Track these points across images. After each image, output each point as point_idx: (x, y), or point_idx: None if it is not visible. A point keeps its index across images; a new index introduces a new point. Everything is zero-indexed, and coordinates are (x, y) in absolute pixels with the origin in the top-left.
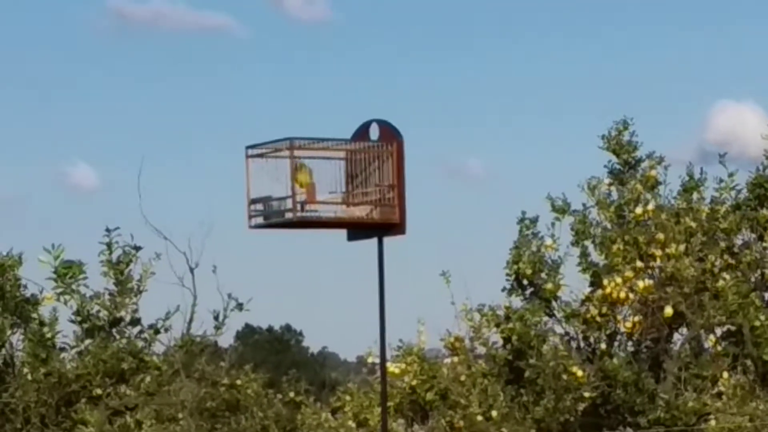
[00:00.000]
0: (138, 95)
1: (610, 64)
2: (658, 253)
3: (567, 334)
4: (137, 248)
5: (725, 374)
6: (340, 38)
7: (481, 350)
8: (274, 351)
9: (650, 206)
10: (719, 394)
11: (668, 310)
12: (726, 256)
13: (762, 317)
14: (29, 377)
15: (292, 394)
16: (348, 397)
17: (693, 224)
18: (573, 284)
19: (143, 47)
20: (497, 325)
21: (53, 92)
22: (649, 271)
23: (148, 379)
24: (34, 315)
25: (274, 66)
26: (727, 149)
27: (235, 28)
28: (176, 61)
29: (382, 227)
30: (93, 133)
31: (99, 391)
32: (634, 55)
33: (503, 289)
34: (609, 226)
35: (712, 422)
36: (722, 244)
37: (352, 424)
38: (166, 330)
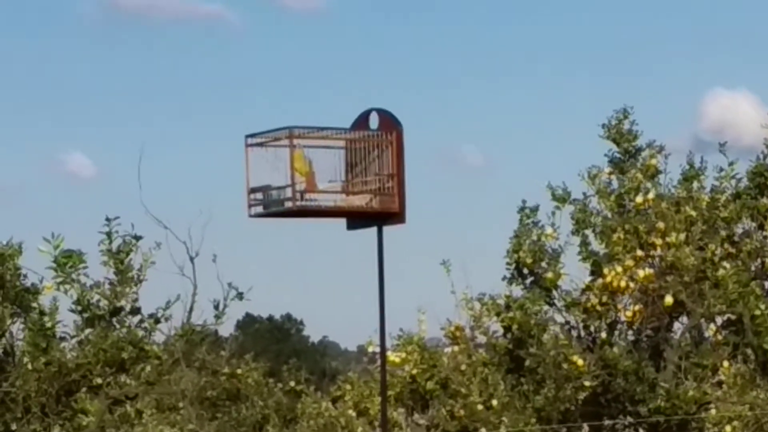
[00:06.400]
0: (133, 85)
1: (605, 53)
2: (659, 242)
3: (567, 323)
4: (137, 237)
5: (726, 363)
6: (336, 26)
7: (482, 339)
8: (275, 340)
9: (650, 195)
10: (719, 383)
11: (668, 299)
12: (726, 245)
13: (762, 306)
14: (29, 366)
15: (292, 383)
16: (348, 387)
17: (693, 213)
18: (573, 273)
19: (138, 36)
20: (497, 314)
21: (47, 82)
22: (650, 260)
23: (148, 368)
24: (34, 304)
25: (271, 54)
26: (722, 137)
27: (228, 17)
28: (172, 50)
29: (381, 216)
30: (88, 123)
31: (99, 381)
32: (628, 44)
33: (503, 278)
34: (609, 215)
35: (713, 411)
36: (722, 233)
37: (352, 413)
38: (167, 319)
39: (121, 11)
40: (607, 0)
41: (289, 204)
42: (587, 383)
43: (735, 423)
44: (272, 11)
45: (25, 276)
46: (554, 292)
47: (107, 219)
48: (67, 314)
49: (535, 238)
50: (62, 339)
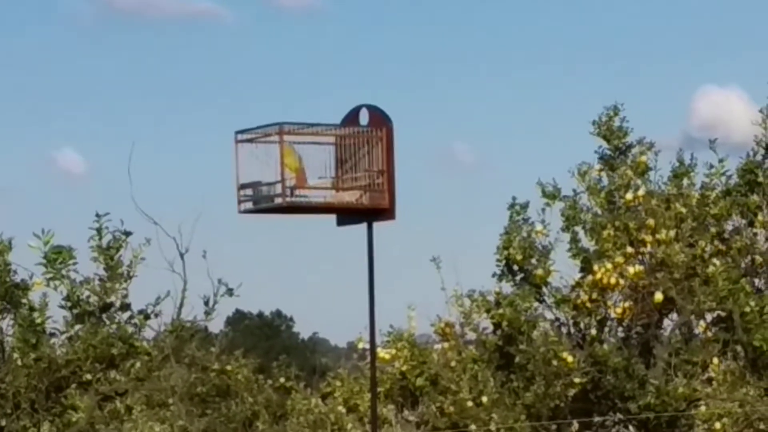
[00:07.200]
0: (126, 82)
1: (596, 50)
2: (649, 238)
3: (557, 319)
4: (127, 233)
5: (715, 360)
6: (328, 24)
7: (472, 336)
8: (265, 336)
9: (640, 192)
10: (709, 380)
11: (658, 296)
12: (716, 242)
13: (752, 303)
14: (19, 362)
15: (282, 380)
16: (338, 383)
17: (683, 210)
18: (563, 270)
19: (131, 34)
20: (487, 311)
21: (39, 78)
22: (640, 256)
23: (138, 364)
24: (24, 300)
25: (263, 52)
26: (712, 135)
27: (222, 14)
28: (164, 47)
29: (371, 212)
30: (79, 120)
31: (89, 377)
32: (619, 41)
33: (493, 275)
34: (599, 211)
35: (702, 408)
36: (712, 230)
37: (342, 409)
38: (156, 315)
39: (114, 9)
40: None
41: (279, 200)
42: (577, 380)
43: (725, 420)
44: (266, 9)
45: (15, 272)
46: (544, 289)
47: (97, 215)
48: (57, 310)
49: (525, 234)
50: (52, 335)
